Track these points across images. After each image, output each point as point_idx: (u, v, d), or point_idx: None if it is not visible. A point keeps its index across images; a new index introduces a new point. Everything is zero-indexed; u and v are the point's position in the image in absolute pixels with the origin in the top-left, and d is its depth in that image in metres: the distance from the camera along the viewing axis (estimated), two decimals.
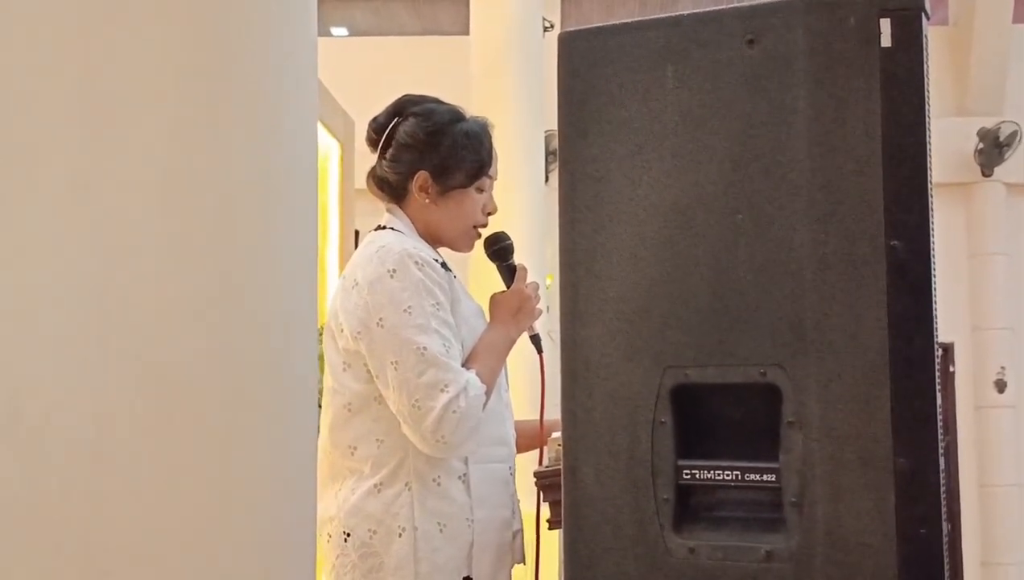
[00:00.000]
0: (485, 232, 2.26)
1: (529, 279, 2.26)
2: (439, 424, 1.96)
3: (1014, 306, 8.69)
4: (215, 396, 1.21)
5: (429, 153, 2.15)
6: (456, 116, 2.21)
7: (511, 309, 2.19)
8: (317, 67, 1.45)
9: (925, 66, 1.45)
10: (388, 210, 2.21)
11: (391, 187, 2.20)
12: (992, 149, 8.56)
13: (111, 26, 1.15)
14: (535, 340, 2.29)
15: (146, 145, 1.17)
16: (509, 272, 2.26)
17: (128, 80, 1.16)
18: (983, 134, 8.56)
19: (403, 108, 2.21)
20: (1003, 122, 8.55)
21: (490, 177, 2.22)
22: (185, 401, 1.18)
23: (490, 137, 2.22)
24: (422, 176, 2.15)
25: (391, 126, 2.20)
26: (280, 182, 1.33)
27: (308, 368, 1.40)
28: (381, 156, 2.21)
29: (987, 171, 8.64)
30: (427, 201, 2.16)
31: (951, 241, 8.37)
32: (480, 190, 2.20)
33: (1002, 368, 8.62)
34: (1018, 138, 8.50)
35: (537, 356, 2.29)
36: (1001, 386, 8.58)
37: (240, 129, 1.26)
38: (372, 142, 2.23)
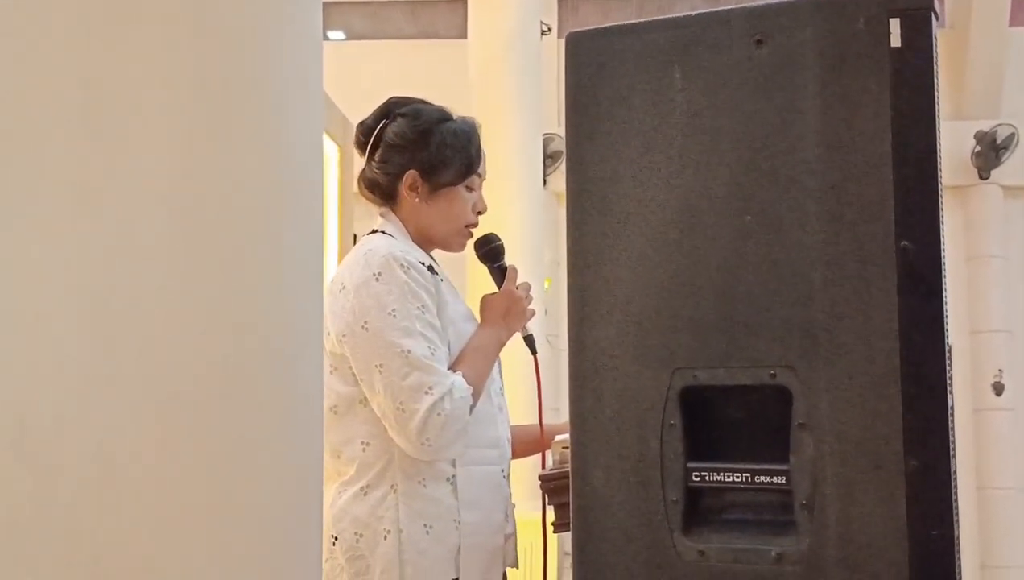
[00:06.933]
0: (476, 232, 2.26)
1: (526, 280, 2.26)
2: (424, 427, 1.96)
3: (1011, 309, 8.67)
4: (222, 406, 1.20)
5: (418, 152, 2.17)
6: (444, 116, 2.22)
7: (500, 310, 2.19)
8: (322, 74, 1.45)
9: (935, 67, 1.45)
10: (381, 214, 2.22)
11: (381, 189, 2.21)
12: (989, 152, 8.55)
13: (115, 36, 1.14)
14: (528, 341, 2.28)
15: (151, 155, 1.15)
16: (500, 273, 2.26)
17: (132, 90, 1.14)
18: (980, 137, 8.55)
19: (390, 110, 2.23)
20: (1000, 125, 8.54)
21: (479, 176, 2.23)
22: (192, 411, 1.17)
23: (478, 136, 2.23)
24: (411, 175, 2.17)
25: (379, 128, 2.22)
26: (286, 191, 1.33)
27: (314, 377, 1.39)
28: (370, 158, 2.23)
29: (984, 174, 8.62)
30: (417, 200, 2.17)
31: (948, 244, 8.34)
32: (470, 189, 2.21)
33: (1000, 371, 8.60)
34: (1015, 141, 8.49)
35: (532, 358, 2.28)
36: (999, 389, 8.56)
37: (246, 138, 1.26)
38: (360, 145, 2.24)
